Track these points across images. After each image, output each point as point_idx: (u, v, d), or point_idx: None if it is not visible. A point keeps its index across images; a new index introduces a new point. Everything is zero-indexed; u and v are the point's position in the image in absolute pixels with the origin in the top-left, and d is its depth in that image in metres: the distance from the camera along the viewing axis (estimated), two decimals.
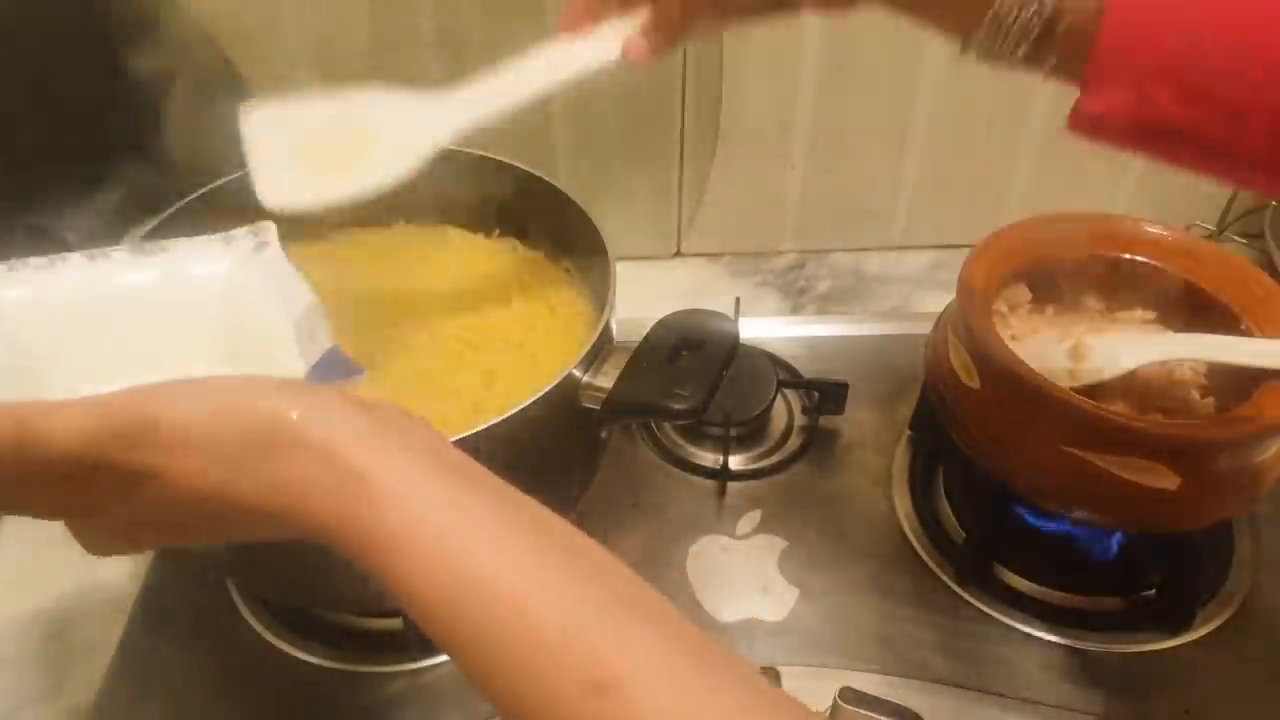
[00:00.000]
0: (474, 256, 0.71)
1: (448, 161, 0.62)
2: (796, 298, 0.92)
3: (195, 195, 0.63)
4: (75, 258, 0.44)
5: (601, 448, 0.64)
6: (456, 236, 0.72)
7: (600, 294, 0.62)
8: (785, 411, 0.79)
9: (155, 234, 0.60)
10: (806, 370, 0.81)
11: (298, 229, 0.63)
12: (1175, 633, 0.64)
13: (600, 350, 0.57)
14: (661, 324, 0.59)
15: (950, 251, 0.96)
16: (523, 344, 0.64)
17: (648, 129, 0.86)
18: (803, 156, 0.89)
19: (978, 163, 0.91)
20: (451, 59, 0.81)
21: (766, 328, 0.85)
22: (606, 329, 0.57)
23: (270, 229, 0.48)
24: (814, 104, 0.86)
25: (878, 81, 0.85)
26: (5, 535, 0.71)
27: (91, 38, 0.69)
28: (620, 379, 0.56)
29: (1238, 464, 0.59)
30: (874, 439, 0.77)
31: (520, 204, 0.69)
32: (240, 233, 0.47)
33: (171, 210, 0.62)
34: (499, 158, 0.66)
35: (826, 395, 0.77)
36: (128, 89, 0.69)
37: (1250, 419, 0.58)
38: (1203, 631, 0.64)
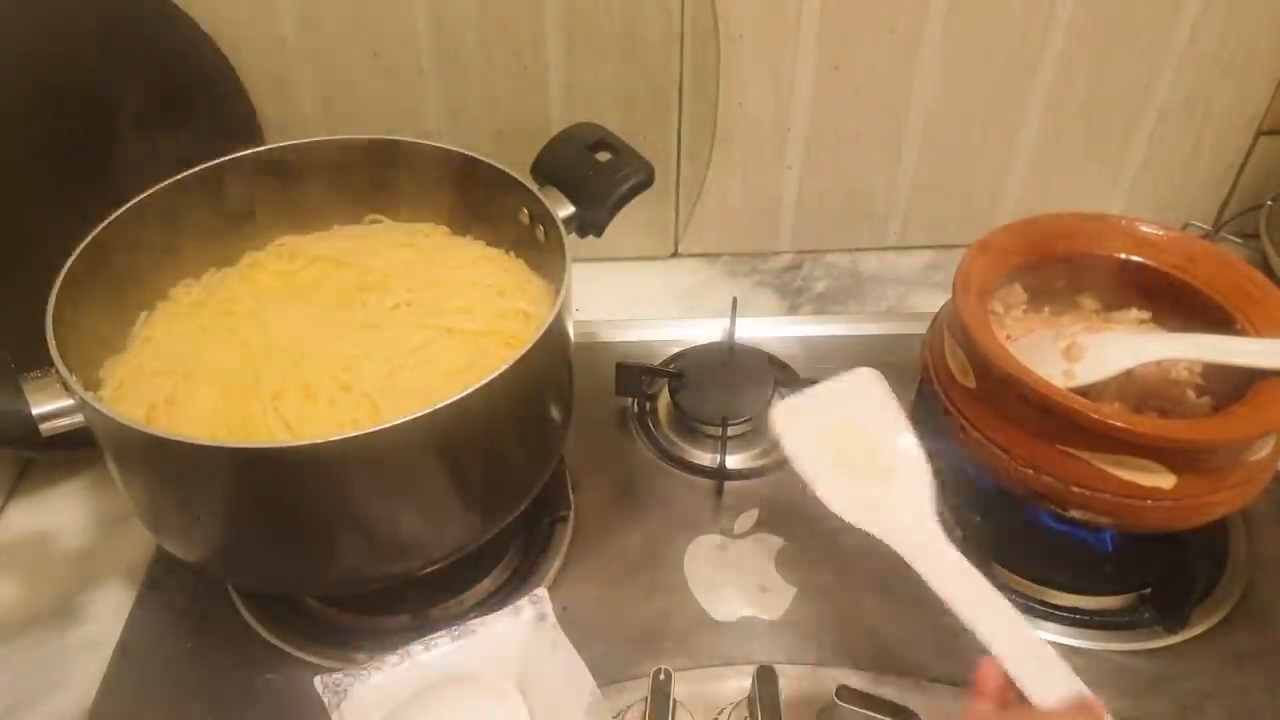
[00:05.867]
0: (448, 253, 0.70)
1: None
2: (793, 298, 0.93)
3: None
4: (418, 648, 0.56)
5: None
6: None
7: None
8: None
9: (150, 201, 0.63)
10: (803, 370, 0.81)
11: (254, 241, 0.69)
12: (1171, 631, 0.64)
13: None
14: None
15: (946, 252, 0.96)
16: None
17: (645, 130, 0.86)
18: (799, 157, 0.90)
19: (974, 163, 0.91)
20: (447, 58, 0.82)
21: (763, 327, 0.85)
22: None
23: (545, 599, 0.58)
24: (810, 105, 0.86)
25: (874, 82, 0.85)
26: (5, 535, 0.71)
27: (89, 39, 0.69)
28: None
29: (1233, 463, 0.59)
30: None
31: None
32: (523, 603, 0.58)
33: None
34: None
35: None
36: (130, 89, 0.70)
37: (1246, 418, 0.59)
38: (1198, 629, 0.65)
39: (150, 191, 0.63)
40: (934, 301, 0.72)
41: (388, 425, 0.49)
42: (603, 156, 0.68)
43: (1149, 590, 0.66)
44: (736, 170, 0.90)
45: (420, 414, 0.49)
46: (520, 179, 0.65)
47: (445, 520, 0.58)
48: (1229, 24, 0.84)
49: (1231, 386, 0.62)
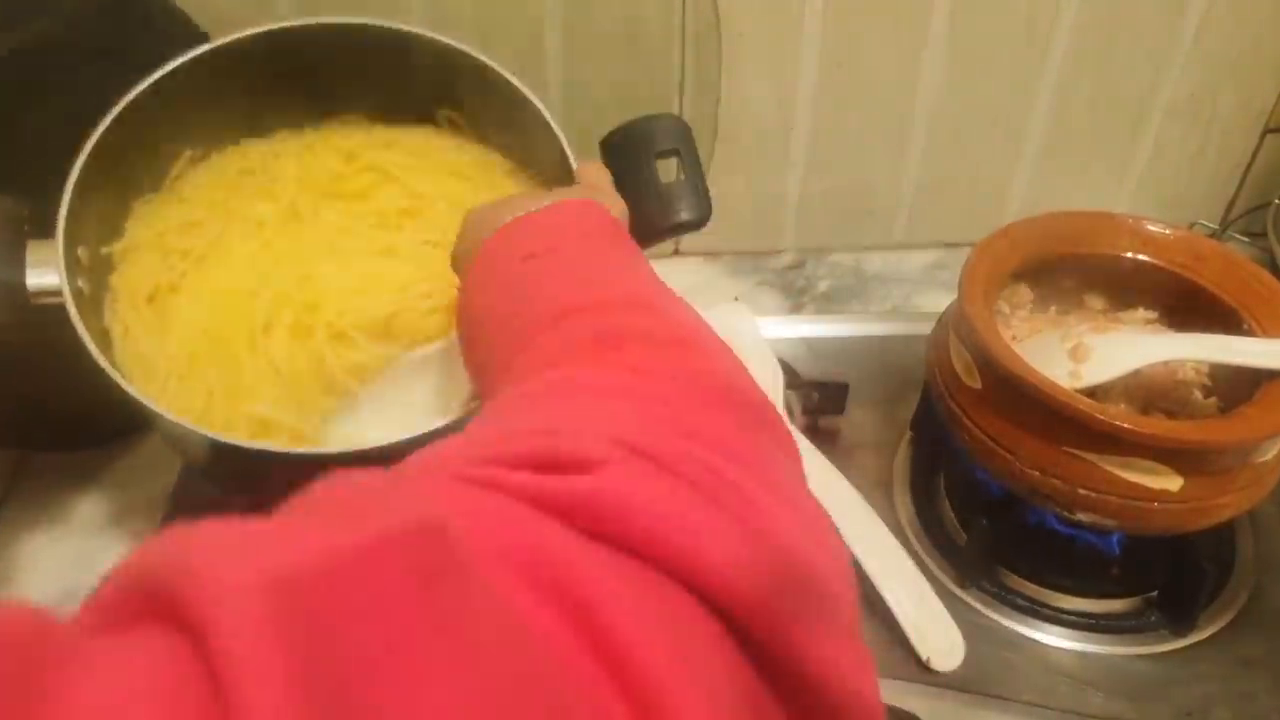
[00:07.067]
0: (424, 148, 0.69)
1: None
2: (797, 297, 0.92)
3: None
4: None
5: None
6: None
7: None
8: (785, 412, 0.79)
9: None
10: (806, 370, 0.81)
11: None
12: (1178, 634, 0.64)
13: None
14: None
15: (951, 251, 0.95)
16: None
17: None
18: (803, 155, 0.89)
19: (979, 161, 0.91)
20: None
21: (766, 327, 0.85)
22: None
23: None
24: (814, 102, 0.86)
25: (878, 79, 0.85)
26: (4, 535, 0.71)
27: (82, 32, 0.69)
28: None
29: (1241, 464, 0.59)
30: (875, 440, 0.77)
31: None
32: None
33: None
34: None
35: (827, 396, 0.77)
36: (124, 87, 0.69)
37: (1253, 419, 0.58)
38: (1205, 634, 0.64)
39: (234, 38, 0.62)
40: (939, 301, 0.72)
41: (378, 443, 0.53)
42: (666, 176, 0.63)
43: (1155, 593, 0.66)
44: (739, 168, 0.90)
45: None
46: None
47: None
48: (1235, 22, 0.83)
49: (1239, 387, 0.61)
